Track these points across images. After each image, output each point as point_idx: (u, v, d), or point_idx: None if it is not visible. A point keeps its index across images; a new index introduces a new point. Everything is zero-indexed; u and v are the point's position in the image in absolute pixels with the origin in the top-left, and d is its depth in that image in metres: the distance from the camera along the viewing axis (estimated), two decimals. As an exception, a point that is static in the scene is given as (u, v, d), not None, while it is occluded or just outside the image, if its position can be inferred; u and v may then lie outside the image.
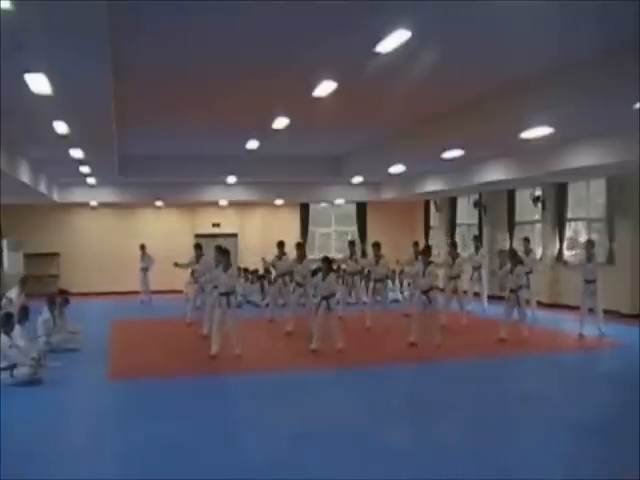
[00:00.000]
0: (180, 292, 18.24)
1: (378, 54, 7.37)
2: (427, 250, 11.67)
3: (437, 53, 7.85)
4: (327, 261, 11.11)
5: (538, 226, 18.03)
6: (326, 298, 10.69)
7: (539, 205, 17.44)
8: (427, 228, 22.72)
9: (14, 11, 5.04)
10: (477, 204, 19.85)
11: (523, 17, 6.69)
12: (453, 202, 21.27)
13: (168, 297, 19.47)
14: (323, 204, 23.93)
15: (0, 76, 6.97)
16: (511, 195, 18.64)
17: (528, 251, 14.36)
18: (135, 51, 7.83)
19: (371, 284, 14.03)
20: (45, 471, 5.66)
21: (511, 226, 18.69)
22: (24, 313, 9.89)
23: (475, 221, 20.29)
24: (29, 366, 8.78)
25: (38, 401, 8.03)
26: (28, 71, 6.79)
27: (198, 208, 22.85)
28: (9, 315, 9.30)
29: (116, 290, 20.86)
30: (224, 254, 10.69)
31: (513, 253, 12.29)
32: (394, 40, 6.85)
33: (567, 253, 17.04)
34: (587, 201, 16.69)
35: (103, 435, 6.80)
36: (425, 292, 11.09)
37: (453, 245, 13.61)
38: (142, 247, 19.39)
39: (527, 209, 18.35)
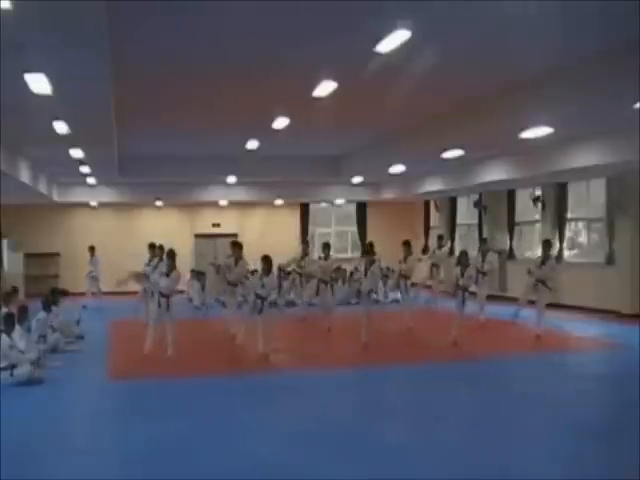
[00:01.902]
0: (181, 292, 18.22)
1: (378, 54, 7.38)
2: (370, 249, 11.51)
3: (437, 53, 7.85)
4: (266, 261, 10.52)
5: (538, 226, 18.02)
6: (261, 299, 10.28)
7: (539, 205, 17.43)
8: (427, 228, 22.72)
9: (14, 11, 5.04)
10: (477, 204, 19.84)
11: (523, 17, 6.69)
12: (453, 202, 21.28)
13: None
14: (323, 204, 23.94)
15: (0, 76, 6.98)
16: (511, 195, 18.64)
17: (486, 251, 14.28)
18: (135, 51, 7.83)
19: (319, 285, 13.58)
20: (45, 471, 5.66)
21: (511, 226, 18.70)
22: (23, 313, 9.88)
23: (475, 221, 20.29)
24: (29, 365, 8.77)
25: (38, 401, 8.02)
26: (28, 71, 6.79)
27: (198, 208, 22.85)
28: (10, 315, 9.30)
29: (116, 290, 20.81)
30: (167, 255, 10.57)
31: (464, 254, 12.21)
32: (394, 40, 6.85)
33: (567, 253, 17.05)
34: (587, 201, 16.69)
35: (103, 435, 6.80)
36: (367, 293, 11.07)
37: (406, 244, 13.61)
38: (91, 249, 18.30)
39: (527, 209, 18.35)
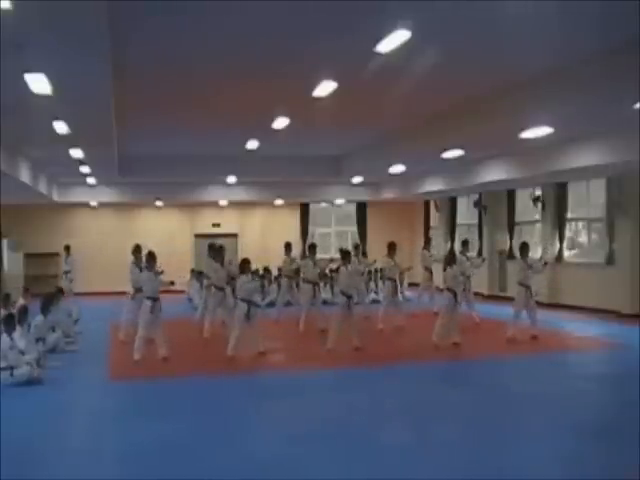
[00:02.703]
0: (182, 292, 18.24)
1: (378, 54, 7.38)
2: (346, 254, 11.43)
3: (437, 53, 7.85)
4: (246, 262, 10.59)
5: (538, 226, 18.03)
6: (247, 302, 10.20)
7: (539, 205, 17.43)
8: (427, 228, 22.73)
9: (14, 11, 5.04)
10: (477, 204, 19.85)
11: (523, 17, 6.69)
12: (453, 202, 21.28)
13: (168, 297, 19.42)
14: (323, 204, 23.94)
15: (0, 76, 6.98)
16: (511, 195, 18.65)
17: (466, 252, 14.30)
18: (135, 51, 7.84)
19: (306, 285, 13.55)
20: (45, 471, 5.67)
21: (511, 226, 18.71)
22: (24, 314, 9.88)
23: (475, 221, 20.30)
24: (29, 365, 8.77)
25: (38, 401, 8.02)
26: (28, 71, 6.79)
27: (198, 208, 22.87)
28: (10, 316, 9.30)
29: (116, 290, 20.82)
30: (148, 257, 10.42)
31: (452, 256, 12.11)
32: (394, 40, 6.85)
33: (567, 253, 17.06)
34: (587, 201, 16.69)
35: (103, 435, 6.79)
36: (348, 297, 10.87)
37: (390, 247, 13.62)
38: (67, 248, 17.89)
39: (527, 209, 18.35)
